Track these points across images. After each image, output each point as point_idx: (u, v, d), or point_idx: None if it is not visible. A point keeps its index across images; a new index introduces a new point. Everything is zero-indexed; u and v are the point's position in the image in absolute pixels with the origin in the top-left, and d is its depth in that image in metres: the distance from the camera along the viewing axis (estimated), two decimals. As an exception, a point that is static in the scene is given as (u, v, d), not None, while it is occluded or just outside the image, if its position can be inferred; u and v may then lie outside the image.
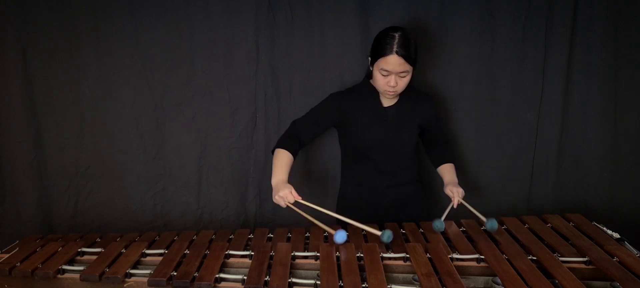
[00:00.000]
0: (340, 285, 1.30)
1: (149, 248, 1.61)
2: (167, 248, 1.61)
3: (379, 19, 2.01)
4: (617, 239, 1.59)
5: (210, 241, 1.69)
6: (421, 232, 1.69)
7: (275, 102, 2.10)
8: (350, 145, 1.87)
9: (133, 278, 1.44)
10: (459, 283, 1.28)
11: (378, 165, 1.84)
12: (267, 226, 2.12)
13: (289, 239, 1.68)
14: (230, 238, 1.71)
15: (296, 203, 1.63)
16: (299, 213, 1.65)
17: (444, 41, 2.04)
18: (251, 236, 1.72)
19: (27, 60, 2.03)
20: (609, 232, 1.63)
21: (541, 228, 1.68)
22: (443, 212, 1.74)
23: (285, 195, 1.61)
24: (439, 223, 1.67)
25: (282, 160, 1.72)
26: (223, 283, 1.38)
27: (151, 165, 2.14)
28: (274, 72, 2.07)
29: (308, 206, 1.64)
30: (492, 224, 1.64)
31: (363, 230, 1.63)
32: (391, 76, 1.65)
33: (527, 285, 1.26)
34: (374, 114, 1.80)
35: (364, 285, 1.29)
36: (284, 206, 1.63)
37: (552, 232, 1.65)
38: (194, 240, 1.70)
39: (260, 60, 2.06)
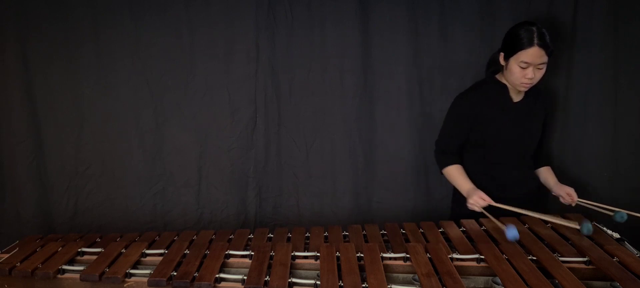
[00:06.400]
0: (340, 285, 1.30)
1: (149, 248, 1.61)
2: (167, 248, 1.60)
3: (379, 19, 2.01)
4: (617, 239, 1.58)
5: (210, 241, 1.69)
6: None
7: (275, 102, 2.10)
8: (479, 141, 1.85)
9: (133, 278, 1.44)
10: (459, 283, 1.28)
11: (507, 161, 1.85)
12: (267, 226, 2.12)
13: (289, 239, 1.68)
14: (230, 238, 1.71)
15: (489, 207, 1.72)
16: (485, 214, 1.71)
17: (444, 41, 2.04)
18: (251, 236, 1.72)
19: (27, 60, 2.03)
20: (609, 232, 1.63)
21: (541, 228, 1.68)
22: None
23: (475, 201, 1.74)
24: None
25: (458, 173, 1.85)
26: (223, 283, 1.38)
27: (151, 165, 2.14)
28: (274, 72, 2.07)
29: (500, 207, 1.72)
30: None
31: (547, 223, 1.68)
32: (529, 68, 1.67)
33: (527, 285, 1.26)
34: (504, 110, 1.81)
35: (364, 285, 1.29)
36: (479, 210, 1.73)
37: (552, 232, 1.64)
38: (194, 240, 1.70)
39: (260, 60, 2.06)
